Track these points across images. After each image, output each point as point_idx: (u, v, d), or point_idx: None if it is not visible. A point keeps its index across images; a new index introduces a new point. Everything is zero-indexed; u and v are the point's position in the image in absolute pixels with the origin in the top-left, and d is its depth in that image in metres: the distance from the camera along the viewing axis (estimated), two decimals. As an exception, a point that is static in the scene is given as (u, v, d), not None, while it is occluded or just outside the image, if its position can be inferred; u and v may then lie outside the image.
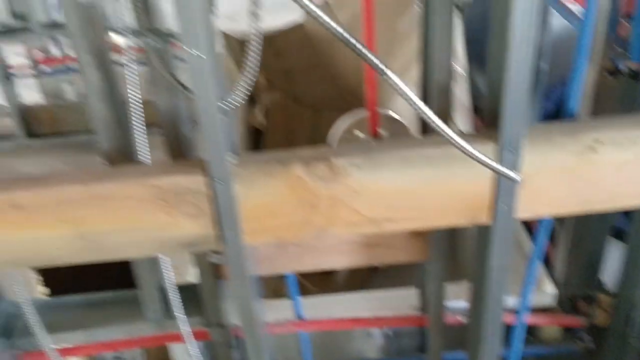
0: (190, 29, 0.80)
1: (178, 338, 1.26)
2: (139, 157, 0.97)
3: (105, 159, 1.04)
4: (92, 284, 1.48)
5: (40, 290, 1.66)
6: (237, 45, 2.39)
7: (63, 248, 0.98)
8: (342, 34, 0.75)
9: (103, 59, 0.96)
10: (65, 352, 1.26)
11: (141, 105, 0.92)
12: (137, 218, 0.96)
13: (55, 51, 3.07)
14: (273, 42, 2.37)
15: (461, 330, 1.27)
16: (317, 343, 1.41)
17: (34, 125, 2.93)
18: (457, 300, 1.30)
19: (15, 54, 3.03)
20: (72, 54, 3.20)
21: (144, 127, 0.95)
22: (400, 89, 0.78)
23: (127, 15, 0.87)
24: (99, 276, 1.68)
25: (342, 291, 1.68)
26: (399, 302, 1.41)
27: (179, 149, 1.05)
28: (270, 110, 2.41)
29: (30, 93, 3.11)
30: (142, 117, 0.93)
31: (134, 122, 0.93)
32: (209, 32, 0.82)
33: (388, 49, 1.99)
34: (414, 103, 0.80)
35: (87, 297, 1.35)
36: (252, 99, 2.41)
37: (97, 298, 1.35)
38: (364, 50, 0.77)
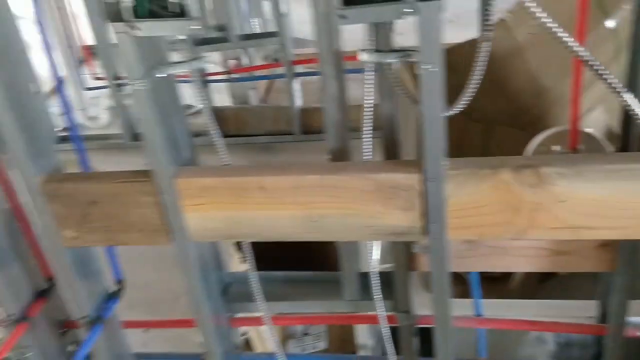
0: (429, 47, 0.95)
1: (369, 319, 1.41)
2: (364, 154, 1.13)
3: (330, 155, 1.21)
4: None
5: (240, 266, 1.91)
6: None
7: (294, 227, 1.17)
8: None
9: (340, 70, 1.14)
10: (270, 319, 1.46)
11: (372, 111, 1.08)
12: (357, 207, 1.12)
13: (245, 60, 3.41)
14: (447, 56, 2.48)
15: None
16: (491, 343, 1.50)
17: (222, 125, 3.27)
18: (637, 316, 1.33)
19: (210, 63, 3.41)
20: (259, 63, 3.53)
21: (371, 130, 1.11)
22: (630, 101, 0.87)
23: (369, 35, 1.03)
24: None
25: (512, 297, 1.76)
26: (574, 312, 1.46)
27: (393, 150, 1.20)
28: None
29: (220, 97, 3.49)
30: (372, 121, 1.09)
31: (364, 125, 1.09)
32: (440, 49, 0.96)
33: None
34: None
35: (287, 273, 1.54)
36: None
37: (296, 275, 1.54)
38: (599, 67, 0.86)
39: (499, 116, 2.52)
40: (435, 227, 1.11)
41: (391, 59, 1.02)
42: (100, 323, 1.40)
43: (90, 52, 3.48)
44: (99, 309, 1.42)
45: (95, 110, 3.47)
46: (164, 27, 1.00)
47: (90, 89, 3.48)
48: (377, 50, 1.03)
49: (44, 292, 1.49)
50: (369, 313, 1.41)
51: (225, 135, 3.40)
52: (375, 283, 1.28)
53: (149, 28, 1.00)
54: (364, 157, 1.14)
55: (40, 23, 1.23)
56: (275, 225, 1.17)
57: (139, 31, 1.00)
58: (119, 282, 1.50)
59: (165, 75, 1.11)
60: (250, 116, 3.33)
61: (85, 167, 1.36)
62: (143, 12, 0.99)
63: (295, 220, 1.16)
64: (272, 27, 3.77)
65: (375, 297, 1.29)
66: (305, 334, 1.71)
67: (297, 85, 3.12)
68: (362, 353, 1.60)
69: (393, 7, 0.92)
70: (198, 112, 3.87)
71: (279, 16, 2.91)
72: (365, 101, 1.07)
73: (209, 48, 2.93)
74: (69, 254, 1.30)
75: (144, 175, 1.19)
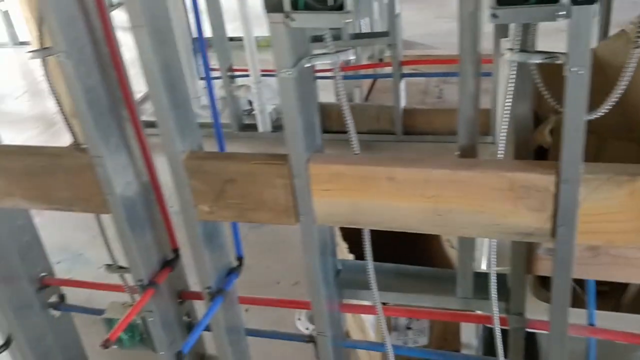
0: (579, 50, 0.96)
1: (479, 319, 1.43)
2: (498, 153, 1.15)
3: (459, 152, 1.24)
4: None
5: (347, 255, 1.96)
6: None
7: (419, 219, 1.20)
8: None
9: (478, 70, 1.16)
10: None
11: (510, 110, 1.10)
12: (486, 204, 1.14)
13: (352, 59, 3.48)
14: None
15: None
16: (600, 356, 1.47)
17: (325, 121, 3.36)
18: None
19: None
20: (365, 62, 3.58)
21: (506, 129, 1.12)
22: None
23: (514, 34, 1.05)
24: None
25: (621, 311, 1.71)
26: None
27: (525, 151, 1.21)
28: (556, 130, 2.47)
29: (325, 93, 3.57)
30: (508, 120, 1.11)
31: (502, 124, 1.11)
32: (590, 52, 0.97)
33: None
34: None
35: (398, 266, 1.57)
36: (539, 119, 2.50)
37: (407, 269, 1.57)
38: None
39: (613, 129, 2.44)
40: (564, 230, 1.11)
41: (536, 60, 1.04)
42: (222, 295, 1.48)
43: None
44: (221, 281, 1.51)
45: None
46: (319, 19, 1.06)
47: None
48: (522, 50, 1.05)
49: (170, 262, 1.60)
50: (479, 313, 1.43)
51: (328, 131, 3.49)
52: (493, 282, 1.29)
53: (304, 19, 1.06)
54: (498, 156, 1.16)
55: (197, 16, 1.33)
56: (400, 215, 1.21)
57: (294, 22, 1.07)
58: (239, 258, 1.59)
59: (309, 65, 1.18)
60: (354, 113, 3.38)
61: (221, 148, 1.45)
62: (300, 4, 1.05)
63: (421, 212, 1.19)
64: (378, 27, 3.83)
65: (492, 296, 1.30)
66: (408, 328, 1.74)
67: (403, 85, 3.16)
68: (465, 352, 1.61)
69: (547, 9, 0.93)
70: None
71: (392, 16, 2.95)
72: (506, 100, 1.09)
73: (321, 45, 3.00)
74: (201, 227, 1.39)
75: (279, 158, 1.26)
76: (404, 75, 3.14)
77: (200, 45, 1.38)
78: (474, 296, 1.42)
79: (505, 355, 1.47)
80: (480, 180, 1.13)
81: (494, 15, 0.97)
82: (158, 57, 1.20)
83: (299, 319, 2.33)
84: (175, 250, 1.62)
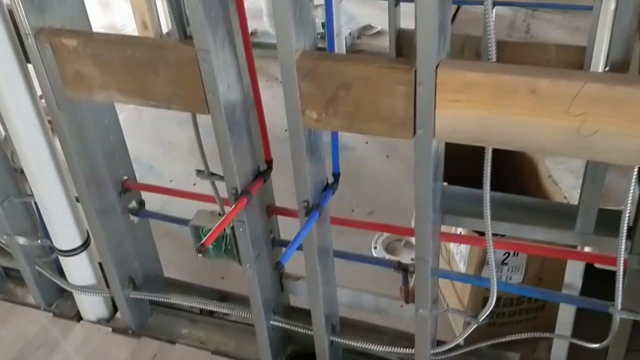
0: None
1: (593, 258, 1.32)
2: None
3: (610, 67, 1.11)
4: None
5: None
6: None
7: (559, 139, 1.08)
8: None
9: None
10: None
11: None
12: (636, 126, 1.01)
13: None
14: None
15: None
16: None
17: (404, 47, 3.21)
18: None
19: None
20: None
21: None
22: None
23: None
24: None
25: None
26: None
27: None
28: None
29: (405, 20, 3.39)
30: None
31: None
32: None
33: None
34: None
35: (506, 195, 1.46)
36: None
37: (516, 199, 1.45)
38: None
39: None
40: None
41: None
42: (318, 210, 1.41)
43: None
44: (318, 197, 1.43)
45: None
46: None
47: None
48: None
49: (262, 174, 1.53)
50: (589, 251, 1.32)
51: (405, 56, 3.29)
52: (625, 217, 1.18)
53: None
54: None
55: None
56: (536, 134, 1.09)
57: None
58: (335, 175, 1.51)
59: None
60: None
61: (331, 49, 1.34)
62: None
63: (562, 132, 1.07)
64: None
65: (622, 232, 1.18)
66: (504, 263, 1.64)
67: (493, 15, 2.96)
68: (566, 292, 1.51)
69: None
70: (379, 33, 3.81)
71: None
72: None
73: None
74: (306, 135, 1.30)
75: (405, 62, 1.14)
76: (496, 4, 2.93)
77: None
78: (597, 232, 1.31)
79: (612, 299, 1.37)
80: (636, 98, 1.00)
81: None
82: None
83: (375, 248, 2.26)
84: (269, 162, 1.55)
